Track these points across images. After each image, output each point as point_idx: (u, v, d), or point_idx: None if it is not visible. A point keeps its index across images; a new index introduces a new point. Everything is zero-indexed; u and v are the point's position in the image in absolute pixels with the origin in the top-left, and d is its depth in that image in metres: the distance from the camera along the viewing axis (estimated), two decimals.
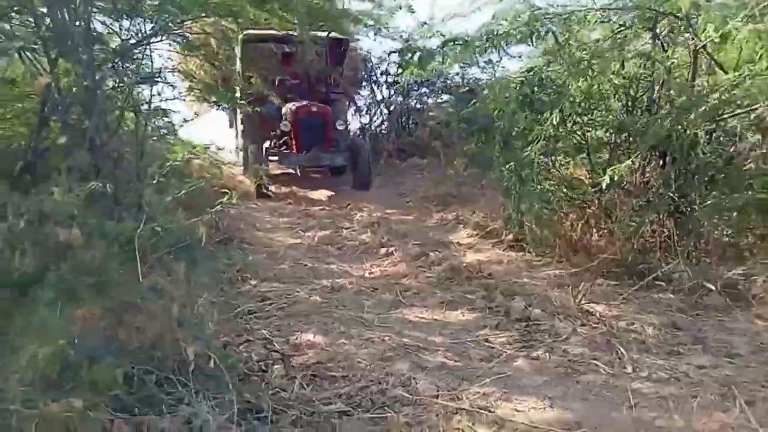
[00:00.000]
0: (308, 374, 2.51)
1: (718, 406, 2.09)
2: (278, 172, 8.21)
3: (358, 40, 9.27)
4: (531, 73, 3.72)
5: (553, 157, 4.08)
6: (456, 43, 3.66)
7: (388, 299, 3.69)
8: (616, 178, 3.60)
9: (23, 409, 1.65)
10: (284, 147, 7.78)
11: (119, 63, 4.57)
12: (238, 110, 8.07)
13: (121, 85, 4.63)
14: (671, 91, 4.38)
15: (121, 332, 2.31)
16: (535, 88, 3.78)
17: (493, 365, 2.56)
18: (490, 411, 2.10)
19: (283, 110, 7.76)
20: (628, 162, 3.60)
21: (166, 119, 5.18)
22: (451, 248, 4.95)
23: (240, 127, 8.43)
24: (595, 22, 4.32)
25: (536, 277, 4.12)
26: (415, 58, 3.70)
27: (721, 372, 2.39)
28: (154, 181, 2.85)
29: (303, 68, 8.72)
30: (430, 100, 9.05)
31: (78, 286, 2.26)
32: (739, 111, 3.97)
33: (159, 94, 5.45)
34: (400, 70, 8.64)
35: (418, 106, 9.03)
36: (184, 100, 7.32)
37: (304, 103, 7.62)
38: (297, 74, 8.56)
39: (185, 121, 5.53)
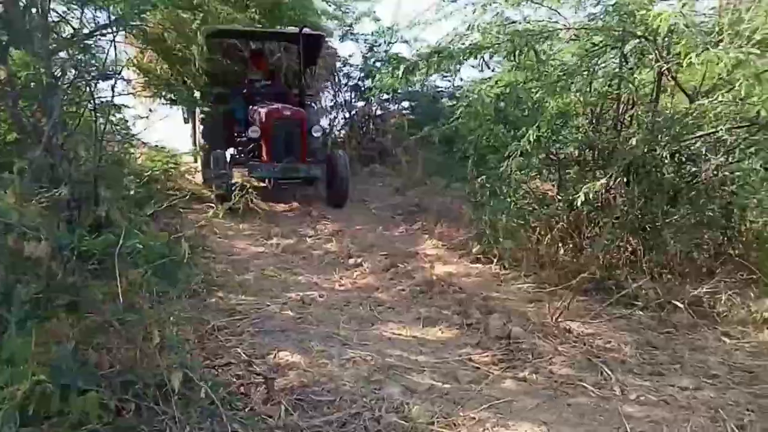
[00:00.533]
0: (293, 399, 2.40)
1: (710, 431, 2.13)
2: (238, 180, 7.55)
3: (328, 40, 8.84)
4: (507, 88, 3.74)
5: (525, 173, 4.11)
6: (441, 55, 3.63)
7: (362, 314, 3.61)
8: (591, 195, 3.66)
9: None
10: (252, 155, 6.90)
11: (79, 55, 4.30)
12: (198, 110, 7.50)
13: (79, 79, 4.36)
14: (636, 111, 4.52)
15: (95, 356, 2.13)
16: (511, 104, 3.81)
17: (482, 387, 2.53)
18: None
19: (252, 114, 7.06)
20: (603, 181, 3.67)
21: (118, 115, 4.93)
22: (418, 260, 4.91)
23: (200, 128, 7.68)
24: (567, 40, 4.40)
25: (506, 291, 4.14)
26: (400, 69, 3.63)
27: (705, 394, 2.44)
28: (131, 192, 2.63)
29: (273, 67, 8.10)
30: (391, 107, 9.00)
31: (49, 306, 2.08)
32: (700, 133, 4.12)
33: (112, 89, 5.17)
34: (372, 80, 8.43)
35: (380, 111, 8.96)
36: (136, 96, 7.00)
37: (277, 106, 6.79)
38: (267, 74, 7.90)
39: (140, 117, 5.24)
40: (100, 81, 4.63)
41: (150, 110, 8.19)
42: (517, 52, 3.54)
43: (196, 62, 6.58)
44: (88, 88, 4.41)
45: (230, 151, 7.10)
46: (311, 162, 6.85)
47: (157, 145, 5.22)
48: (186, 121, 8.83)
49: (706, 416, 2.25)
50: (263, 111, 6.72)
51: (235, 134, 7.51)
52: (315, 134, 7.02)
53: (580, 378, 2.60)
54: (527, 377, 2.63)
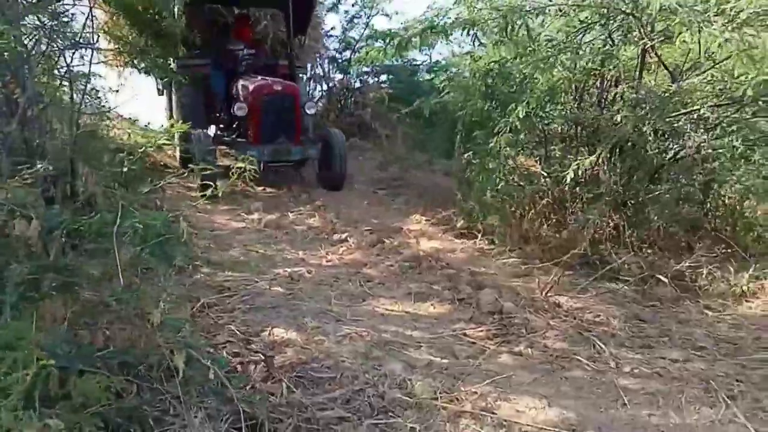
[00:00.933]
0: (293, 376, 2.39)
1: (704, 402, 2.20)
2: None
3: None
4: (496, 65, 3.72)
5: (513, 150, 4.12)
6: (433, 30, 3.58)
7: (352, 290, 3.61)
8: (580, 172, 3.70)
9: None
10: (238, 135, 6.30)
11: (50, 22, 4.10)
12: (174, 84, 6.88)
13: (52, 48, 4.16)
14: (621, 88, 4.56)
15: (89, 336, 2.08)
16: (500, 81, 3.79)
17: (480, 362, 2.56)
18: (493, 413, 2.09)
19: (237, 88, 6.39)
20: (592, 158, 3.71)
21: (93, 87, 4.74)
22: (404, 235, 4.91)
23: (176, 102, 7.05)
24: (554, 15, 4.39)
25: (493, 266, 4.18)
26: (394, 42, 3.57)
27: (695, 366, 2.52)
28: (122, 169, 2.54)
29: (259, 36, 7.51)
30: (370, 80, 8.88)
31: (42, 287, 2.00)
32: (684, 111, 4.18)
33: (82, 57, 4.97)
34: (352, 53, 8.22)
35: (358, 84, 8.84)
36: (108, 65, 6.70)
37: (266, 80, 6.15)
38: (252, 43, 7.15)
39: (111, 90, 5.02)
40: (74, 50, 4.44)
41: (123, 79, 7.82)
42: (509, 28, 3.51)
43: (174, 28, 6.05)
44: (62, 58, 4.23)
45: (212, 129, 6.47)
46: (305, 142, 6.28)
47: (135, 120, 5.03)
48: (160, 93, 8.39)
49: (698, 387, 2.33)
50: (250, 85, 6.11)
51: (217, 112, 6.90)
52: (309, 111, 6.49)
53: (574, 352, 2.66)
54: (523, 352, 2.68)
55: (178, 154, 6.95)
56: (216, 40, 7.26)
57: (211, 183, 4.49)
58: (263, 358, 2.46)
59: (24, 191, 2.21)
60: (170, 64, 6.48)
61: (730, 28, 3.04)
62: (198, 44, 6.79)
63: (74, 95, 4.30)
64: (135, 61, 6.69)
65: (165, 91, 8.11)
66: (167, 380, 2.04)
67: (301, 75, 7.61)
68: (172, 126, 3.24)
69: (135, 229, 2.09)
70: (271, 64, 7.04)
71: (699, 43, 3.70)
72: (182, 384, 2.03)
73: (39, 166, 2.64)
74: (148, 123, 5.17)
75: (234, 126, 6.43)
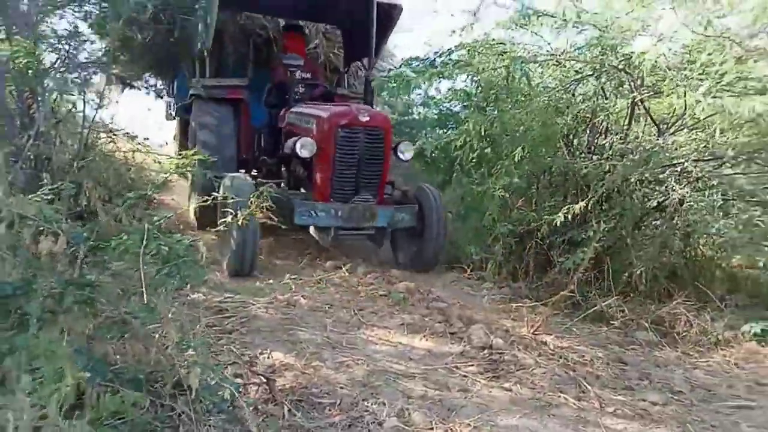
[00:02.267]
0: (294, 399, 2.49)
1: None
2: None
3: None
4: (495, 112, 3.93)
5: (509, 191, 4.31)
6: (442, 75, 3.80)
7: (346, 318, 3.71)
8: (569, 216, 3.90)
9: None
10: (293, 186, 4.79)
11: (67, 42, 4.23)
12: (195, 109, 5.40)
13: (65, 67, 4.28)
14: (609, 138, 4.81)
15: (108, 351, 2.16)
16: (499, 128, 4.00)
17: (472, 396, 2.68)
18: None
19: (295, 118, 4.85)
20: (581, 204, 3.91)
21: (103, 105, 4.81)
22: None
23: (194, 135, 5.37)
24: (550, 66, 4.65)
25: (482, 301, 4.32)
26: (410, 87, 3.75)
27: (674, 409, 2.67)
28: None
29: (310, 56, 5.89)
30: None
31: (68, 302, 2.09)
32: (668, 164, 4.43)
33: (107, 79, 5.08)
34: None
35: None
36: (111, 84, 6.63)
37: (347, 106, 4.51)
38: (309, 65, 5.61)
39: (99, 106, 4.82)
40: (88, 70, 4.57)
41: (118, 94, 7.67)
42: (509, 78, 3.74)
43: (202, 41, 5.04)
44: (77, 76, 4.36)
45: (244, 176, 4.24)
46: (394, 201, 4.72)
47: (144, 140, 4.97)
48: (170, 117, 7.20)
49: (677, 430, 2.48)
50: (322, 113, 4.42)
51: (253, 150, 5.47)
52: (404, 156, 4.65)
53: (561, 390, 2.79)
54: (512, 387, 2.80)
55: (192, 209, 5.35)
56: (258, 56, 6.14)
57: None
58: (265, 380, 2.55)
59: (53, 208, 2.31)
60: (198, 84, 5.46)
61: (712, 94, 3.28)
62: (228, 61, 5.89)
63: (85, 113, 4.43)
64: (144, 79, 6.64)
65: (176, 117, 6.82)
66: (180, 398, 2.13)
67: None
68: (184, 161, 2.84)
69: (159, 251, 2.20)
70: (330, 93, 5.62)
71: (685, 103, 3.96)
72: (193, 402, 2.12)
73: (62, 183, 2.74)
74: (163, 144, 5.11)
75: (285, 173, 4.92)
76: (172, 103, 6.83)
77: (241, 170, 4.30)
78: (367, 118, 4.29)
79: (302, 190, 4.77)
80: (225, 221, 3.03)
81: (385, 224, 4.45)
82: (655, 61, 3.67)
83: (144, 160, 5.31)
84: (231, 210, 3.15)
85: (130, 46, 5.90)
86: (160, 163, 5.51)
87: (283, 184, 4.81)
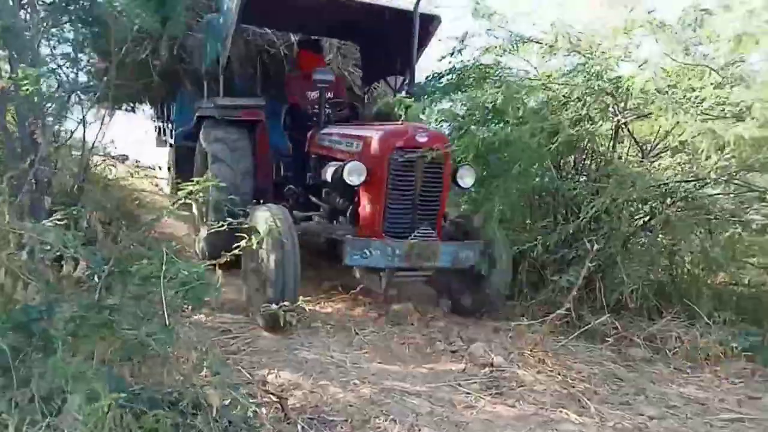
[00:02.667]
0: (305, 417, 2.55)
1: None
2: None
3: None
4: (493, 134, 4.06)
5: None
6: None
7: (348, 337, 3.78)
8: (563, 237, 4.03)
9: None
10: (334, 219, 4.21)
11: (66, 70, 4.30)
12: (206, 133, 4.78)
13: (67, 93, 4.34)
14: (594, 160, 5.00)
15: (128, 376, 2.22)
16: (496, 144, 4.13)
17: (477, 413, 2.76)
18: None
19: (327, 139, 4.38)
20: (573, 224, 4.05)
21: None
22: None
23: (210, 159, 4.69)
24: (538, 88, 4.84)
25: (476, 319, 4.41)
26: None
27: (671, 423, 2.79)
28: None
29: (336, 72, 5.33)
30: None
31: (89, 325, 2.15)
32: (654, 184, 4.60)
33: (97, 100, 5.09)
34: None
35: None
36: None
37: (398, 125, 3.95)
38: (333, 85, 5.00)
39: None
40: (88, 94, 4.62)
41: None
42: (510, 105, 3.92)
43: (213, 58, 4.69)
44: (76, 103, 4.41)
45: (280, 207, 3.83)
46: (454, 237, 4.08)
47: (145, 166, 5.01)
48: (163, 143, 6.70)
49: None
50: (372, 134, 3.84)
51: (277, 176, 4.92)
52: (464, 182, 4.05)
53: (563, 406, 2.89)
54: (515, 404, 2.89)
55: (199, 247, 4.95)
56: (266, 75, 5.77)
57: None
58: (278, 399, 2.61)
59: (72, 234, 2.37)
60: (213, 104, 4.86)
61: (696, 118, 3.47)
62: (235, 81, 5.51)
63: (85, 137, 4.48)
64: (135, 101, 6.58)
65: (171, 143, 6.22)
66: (198, 417, 2.18)
67: None
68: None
69: (177, 276, 2.27)
70: (358, 114, 5.19)
71: (670, 125, 4.15)
72: (213, 421, 2.17)
73: (72, 207, 2.80)
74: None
75: (329, 202, 4.28)
76: (168, 128, 6.34)
77: (259, 200, 3.99)
78: (426, 139, 3.73)
79: (340, 224, 4.15)
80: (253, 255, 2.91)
81: (449, 264, 3.80)
82: (644, 85, 3.84)
83: (139, 183, 5.34)
84: (268, 243, 3.07)
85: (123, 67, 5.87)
86: (158, 185, 5.58)
87: (316, 218, 4.25)
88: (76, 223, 3.29)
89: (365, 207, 3.83)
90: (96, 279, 2.34)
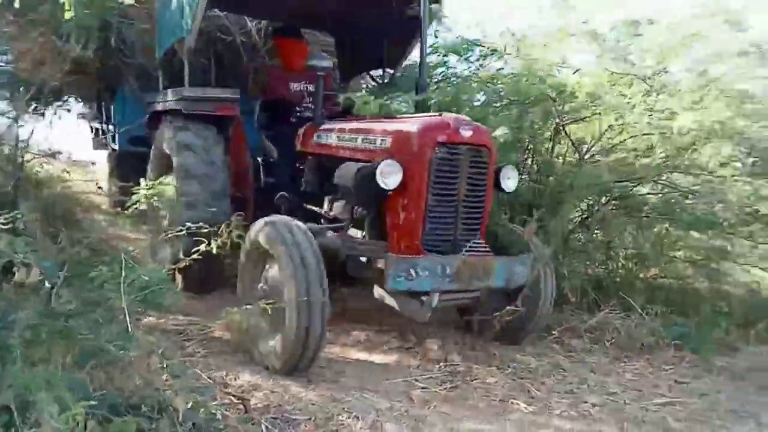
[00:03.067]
0: (269, 417, 2.58)
1: None
2: None
3: None
4: None
5: None
6: None
7: None
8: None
9: None
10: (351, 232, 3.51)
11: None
12: (168, 131, 4.11)
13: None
14: (536, 160, 5.25)
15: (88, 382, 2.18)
16: None
17: (435, 407, 2.87)
18: None
19: (333, 137, 3.72)
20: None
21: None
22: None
23: (175, 162, 4.00)
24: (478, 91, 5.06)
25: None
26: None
27: (610, 409, 3.00)
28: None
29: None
30: None
31: (46, 332, 2.10)
32: (591, 182, 4.86)
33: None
34: None
35: None
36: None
37: (437, 117, 3.20)
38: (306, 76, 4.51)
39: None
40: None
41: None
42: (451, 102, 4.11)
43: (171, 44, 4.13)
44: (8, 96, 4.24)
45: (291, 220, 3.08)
46: (500, 249, 3.48)
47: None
48: (103, 146, 5.89)
49: (615, 427, 2.79)
50: (403, 126, 3.22)
51: (256, 181, 4.27)
52: (508, 185, 3.45)
53: (513, 397, 3.05)
54: (469, 397, 3.03)
55: (162, 254, 4.31)
56: (251, 60, 5.27)
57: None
58: (240, 400, 2.63)
59: (23, 239, 2.30)
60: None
61: (649, 114, 3.75)
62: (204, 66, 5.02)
63: (18, 135, 4.30)
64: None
65: (121, 148, 5.43)
66: (163, 422, 2.18)
67: None
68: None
69: (135, 280, 2.26)
70: (350, 109, 4.23)
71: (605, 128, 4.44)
72: (178, 424, 2.18)
73: (21, 214, 2.71)
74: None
75: (345, 219, 3.55)
76: (107, 130, 5.62)
77: (238, 212, 3.40)
78: (470, 133, 3.07)
79: (363, 237, 3.45)
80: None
81: (503, 283, 3.20)
82: (594, 89, 4.10)
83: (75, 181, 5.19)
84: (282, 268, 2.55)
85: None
86: (97, 182, 5.37)
87: (330, 233, 3.40)
88: (14, 228, 3.19)
89: (400, 216, 3.11)
90: (48, 285, 2.29)
